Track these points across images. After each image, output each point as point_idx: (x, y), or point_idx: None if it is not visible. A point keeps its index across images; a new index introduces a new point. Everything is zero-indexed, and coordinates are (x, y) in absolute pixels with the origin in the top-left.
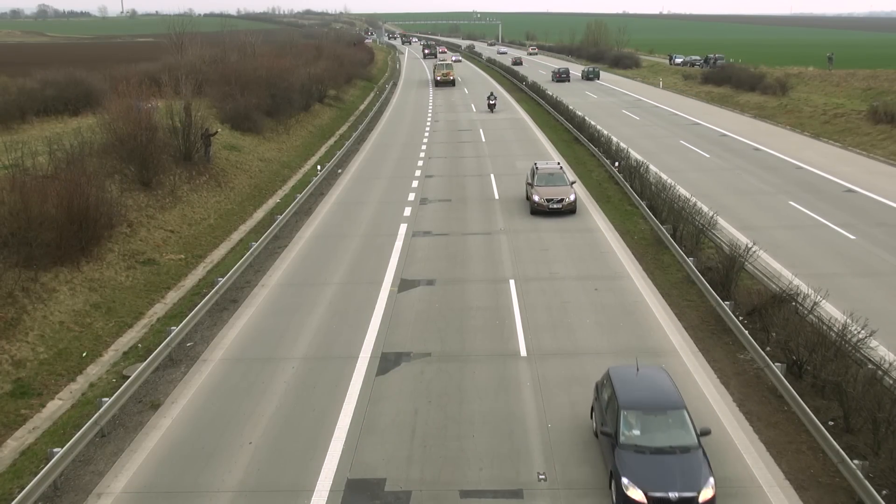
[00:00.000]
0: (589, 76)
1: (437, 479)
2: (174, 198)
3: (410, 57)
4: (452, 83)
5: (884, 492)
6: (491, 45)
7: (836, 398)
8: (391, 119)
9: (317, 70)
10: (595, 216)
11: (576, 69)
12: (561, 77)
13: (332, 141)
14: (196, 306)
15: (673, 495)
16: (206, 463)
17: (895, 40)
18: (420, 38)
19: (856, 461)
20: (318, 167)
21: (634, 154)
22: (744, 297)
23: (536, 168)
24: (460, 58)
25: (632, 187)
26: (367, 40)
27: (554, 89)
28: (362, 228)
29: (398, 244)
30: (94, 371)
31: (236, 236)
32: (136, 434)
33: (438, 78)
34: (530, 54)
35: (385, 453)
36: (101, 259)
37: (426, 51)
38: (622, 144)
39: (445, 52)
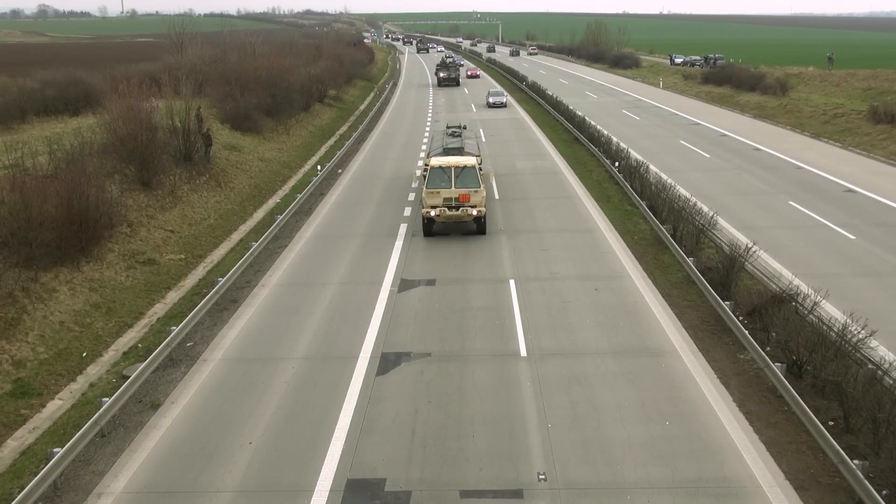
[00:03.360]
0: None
1: (437, 479)
2: (174, 198)
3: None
4: (478, 227)
5: (884, 492)
6: (490, 49)
7: (836, 398)
8: (391, 119)
9: (317, 70)
10: (595, 216)
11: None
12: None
13: (332, 141)
14: (196, 306)
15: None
16: (206, 463)
17: (895, 40)
18: (443, 47)
19: (856, 461)
20: (319, 167)
21: (634, 154)
22: (744, 297)
23: None
24: (504, 97)
25: (632, 187)
26: (367, 40)
27: (554, 90)
28: (362, 228)
29: (398, 244)
30: (94, 371)
31: (236, 236)
32: (136, 434)
33: (433, 213)
34: (530, 54)
35: (385, 453)
36: (101, 259)
37: (441, 74)
38: (622, 144)
39: (477, 76)
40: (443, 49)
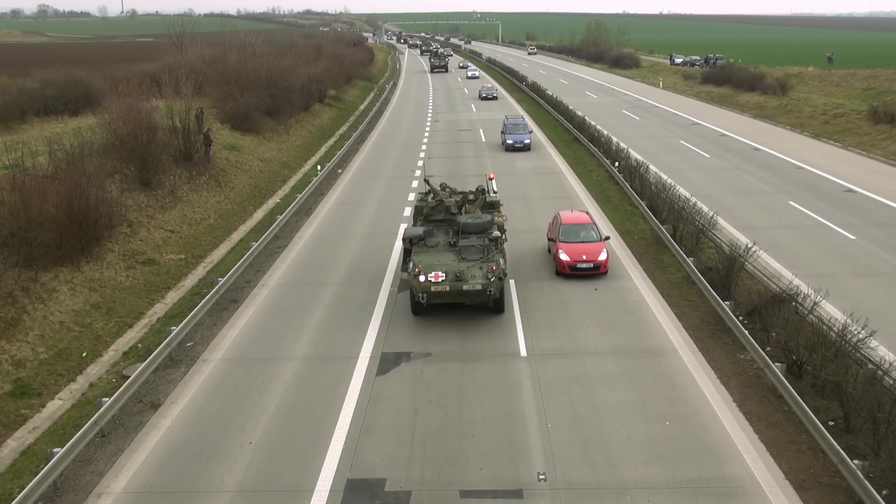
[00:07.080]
0: (465, 42)
1: (437, 479)
2: (174, 198)
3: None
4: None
5: (884, 492)
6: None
7: (836, 398)
8: (391, 119)
9: (317, 70)
10: (595, 216)
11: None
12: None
13: (332, 141)
14: (196, 306)
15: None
16: (206, 463)
17: (895, 40)
18: (476, 68)
19: (856, 461)
20: (318, 167)
21: (634, 154)
22: (744, 297)
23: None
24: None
25: (632, 187)
26: (369, 41)
27: (554, 90)
28: (362, 228)
29: (398, 244)
30: (94, 371)
31: (236, 236)
32: (136, 434)
33: None
34: (530, 54)
35: (385, 453)
36: (101, 259)
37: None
38: (622, 144)
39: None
40: (476, 72)
